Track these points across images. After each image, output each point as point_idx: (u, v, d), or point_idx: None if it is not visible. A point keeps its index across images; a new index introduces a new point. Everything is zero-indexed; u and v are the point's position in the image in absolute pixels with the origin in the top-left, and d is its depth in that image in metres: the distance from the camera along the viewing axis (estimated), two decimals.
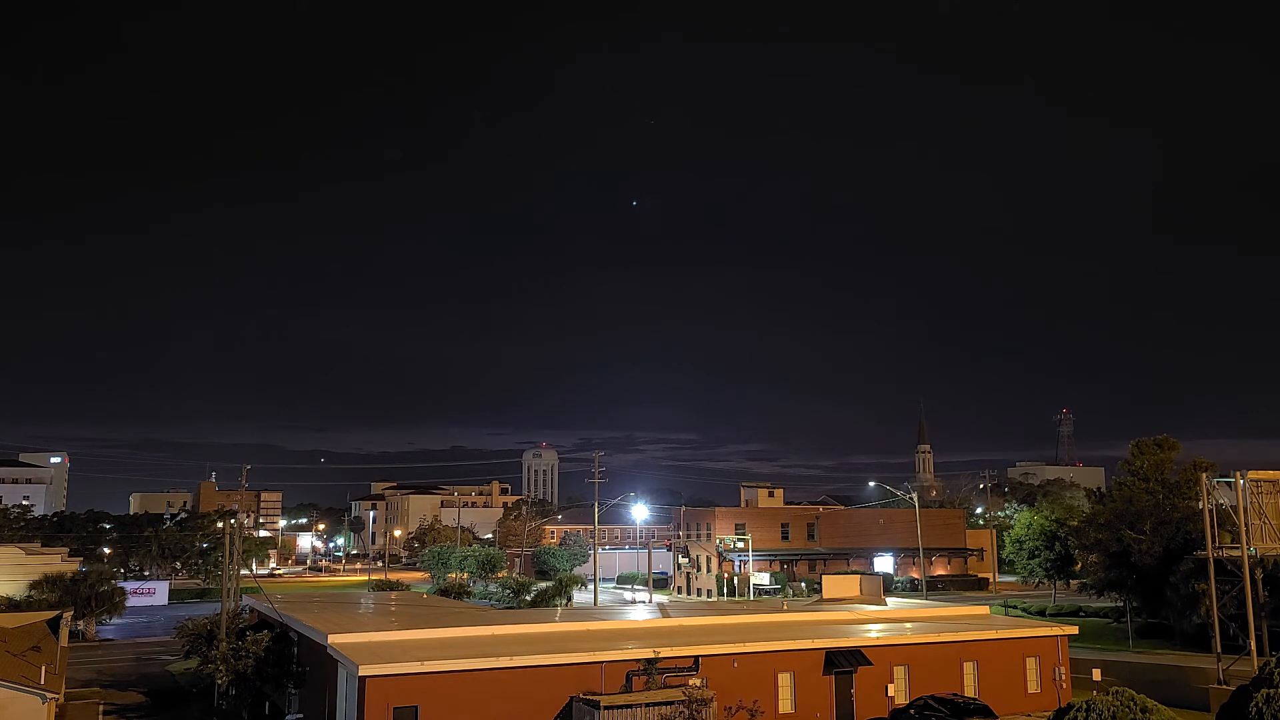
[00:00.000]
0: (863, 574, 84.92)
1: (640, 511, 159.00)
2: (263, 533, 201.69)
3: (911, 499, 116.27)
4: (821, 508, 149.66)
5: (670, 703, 40.06)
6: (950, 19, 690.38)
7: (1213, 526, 55.48)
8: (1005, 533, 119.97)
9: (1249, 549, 53.59)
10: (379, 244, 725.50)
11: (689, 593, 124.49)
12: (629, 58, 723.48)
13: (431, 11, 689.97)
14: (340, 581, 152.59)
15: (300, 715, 48.79)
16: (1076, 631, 57.80)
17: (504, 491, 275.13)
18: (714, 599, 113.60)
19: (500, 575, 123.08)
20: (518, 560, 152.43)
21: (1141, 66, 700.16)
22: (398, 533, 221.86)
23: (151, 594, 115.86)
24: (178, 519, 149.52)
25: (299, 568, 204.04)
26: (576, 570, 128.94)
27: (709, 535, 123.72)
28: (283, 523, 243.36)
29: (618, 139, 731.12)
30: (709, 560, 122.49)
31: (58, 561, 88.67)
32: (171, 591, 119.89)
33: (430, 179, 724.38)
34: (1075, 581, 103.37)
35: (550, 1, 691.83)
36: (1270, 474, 55.51)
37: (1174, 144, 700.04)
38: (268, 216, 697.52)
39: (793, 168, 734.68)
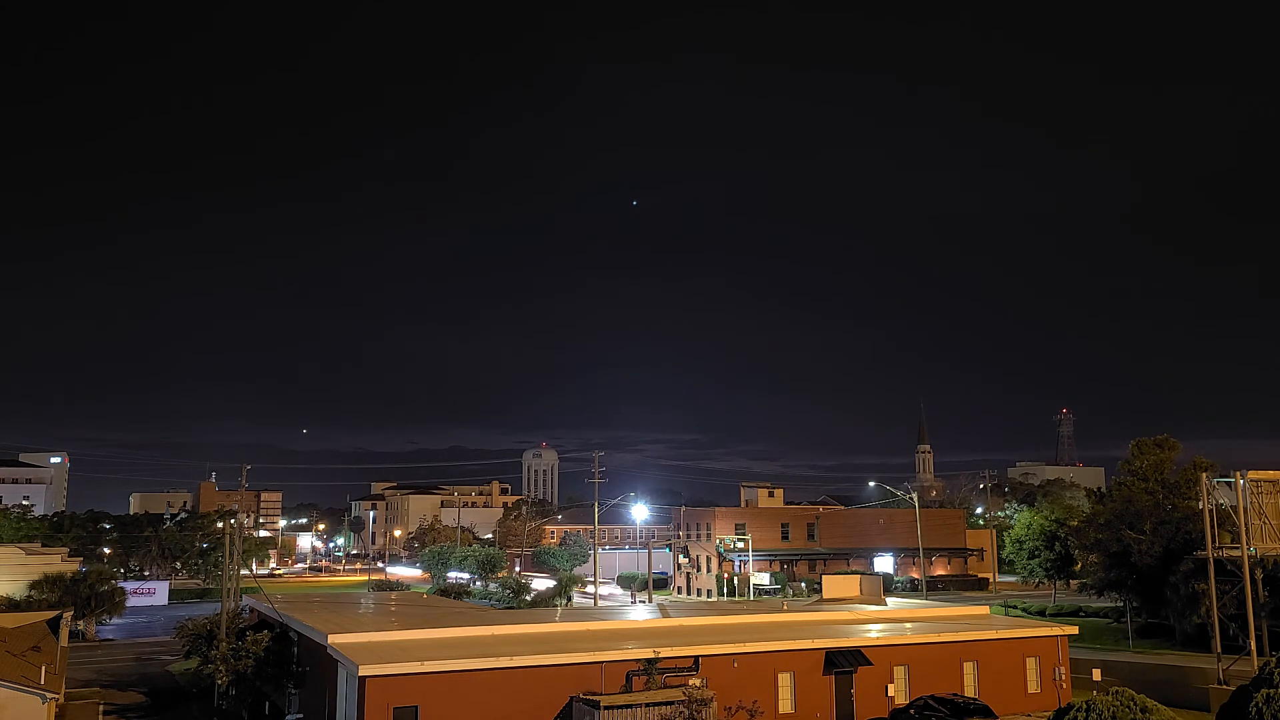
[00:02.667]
0: (863, 574, 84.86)
1: (640, 511, 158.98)
2: (263, 533, 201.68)
3: (911, 499, 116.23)
4: (821, 508, 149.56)
5: (670, 703, 40.06)
6: (959, 42, 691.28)
7: (1213, 526, 55.46)
8: (1005, 533, 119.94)
9: (1249, 549, 53.58)
10: (378, 248, 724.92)
11: (689, 593, 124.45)
12: (639, 71, 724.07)
13: (445, 28, 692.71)
14: (344, 581, 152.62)
15: (300, 715, 48.79)
16: (1076, 631, 57.81)
17: (504, 491, 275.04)
18: (714, 599, 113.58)
19: (500, 575, 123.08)
20: (518, 560, 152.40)
21: (1135, 91, 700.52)
22: (398, 533, 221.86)
23: (151, 594, 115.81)
24: (178, 519, 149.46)
25: (299, 567, 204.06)
26: (576, 570, 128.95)
27: (709, 535, 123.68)
28: (283, 523, 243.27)
29: (620, 146, 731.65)
30: (709, 560, 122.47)
31: (58, 561, 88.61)
32: (171, 591, 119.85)
33: (430, 187, 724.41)
34: (1075, 581, 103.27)
35: (559, 21, 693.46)
36: (1270, 474, 55.48)
37: (1177, 146, 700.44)
38: (265, 224, 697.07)
39: (795, 176, 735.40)
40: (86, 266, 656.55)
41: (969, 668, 50.36)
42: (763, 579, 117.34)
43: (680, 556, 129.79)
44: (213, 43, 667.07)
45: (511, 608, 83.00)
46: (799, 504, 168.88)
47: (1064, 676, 52.67)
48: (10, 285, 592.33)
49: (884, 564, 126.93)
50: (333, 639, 43.39)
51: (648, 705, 39.95)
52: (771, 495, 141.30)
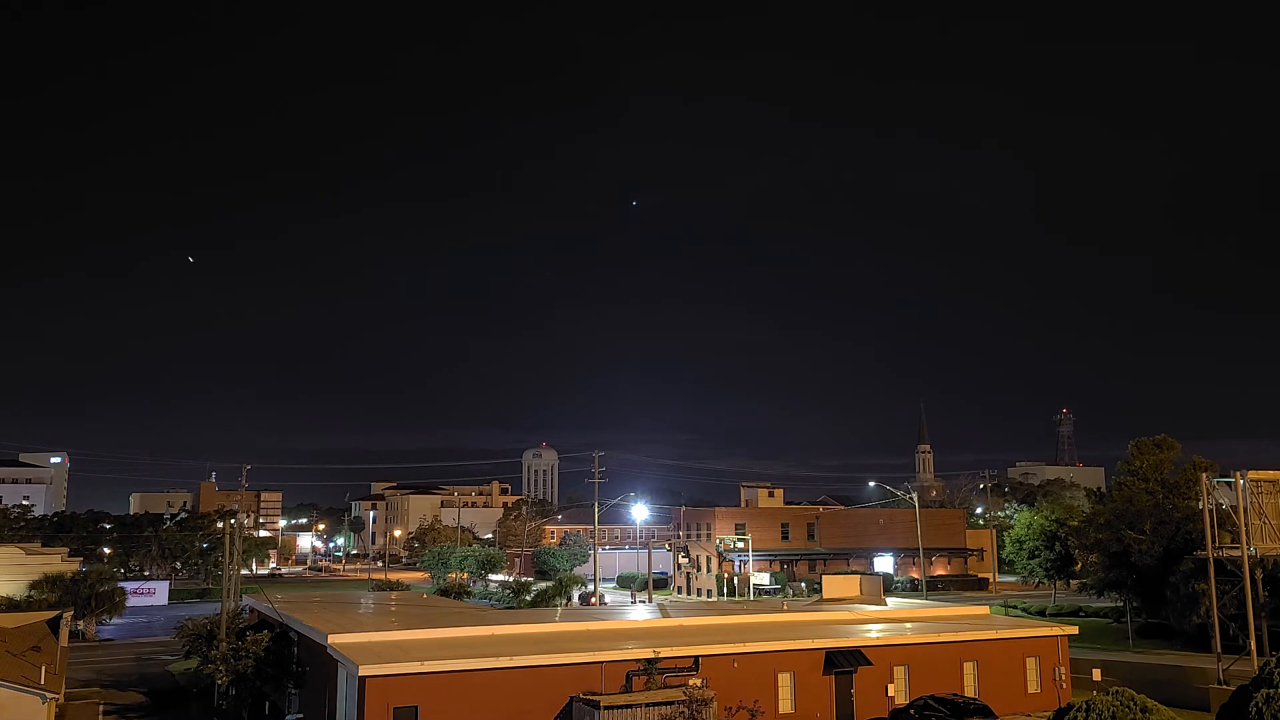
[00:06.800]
0: (863, 574, 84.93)
1: (640, 511, 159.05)
2: (263, 533, 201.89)
3: (911, 499, 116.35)
4: (821, 508, 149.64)
5: (670, 703, 40.08)
6: (956, 43, 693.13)
7: (1213, 526, 55.50)
8: (1005, 533, 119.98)
9: (1249, 549, 53.62)
10: (376, 254, 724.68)
11: (689, 593, 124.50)
12: (636, 76, 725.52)
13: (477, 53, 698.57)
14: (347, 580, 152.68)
15: (300, 715, 48.80)
16: (1076, 631, 57.84)
17: (504, 491, 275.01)
18: (714, 599, 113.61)
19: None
20: (518, 560, 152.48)
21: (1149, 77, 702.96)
22: (398, 533, 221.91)
23: (151, 594, 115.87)
24: (178, 519, 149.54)
25: (299, 568, 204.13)
26: (577, 570, 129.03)
27: (709, 535, 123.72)
28: (283, 523, 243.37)
29: (625, 149, 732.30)
30: (709, 560, 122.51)
31: (58, 561, 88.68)
32: (171, 591, 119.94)
33: (427, 200, 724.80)
34: (1075, 581, 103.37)
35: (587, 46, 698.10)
36: (1270, 474, 55.53)
37: (1180, 148, 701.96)
38: (261, 228, 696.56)
39: (796, 181, 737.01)
40: (97, 280, 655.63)
41: (969, 668, 50.39)
42: (763, 579, 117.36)
43: (680, 556, 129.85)
44: (243, 68, 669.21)
45: (511, 608, 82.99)
46: (799, 504, 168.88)
47: (1064, 676, 52.70)
48: (10, 284, 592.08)
49: (884, 564, 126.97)
50: (333, 639, 43.41)
51: (648, 705, 39.97)
52: (771, 495, 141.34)
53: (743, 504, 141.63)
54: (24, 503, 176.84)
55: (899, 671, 48.60)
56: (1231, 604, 56.50)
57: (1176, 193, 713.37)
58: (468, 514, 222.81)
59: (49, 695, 37.67)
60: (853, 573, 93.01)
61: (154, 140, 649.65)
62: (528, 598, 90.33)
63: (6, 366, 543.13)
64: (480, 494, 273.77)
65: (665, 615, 58.51)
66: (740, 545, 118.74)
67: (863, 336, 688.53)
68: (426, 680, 38.80)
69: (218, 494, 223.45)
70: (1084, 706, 31.83)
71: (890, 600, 70.25)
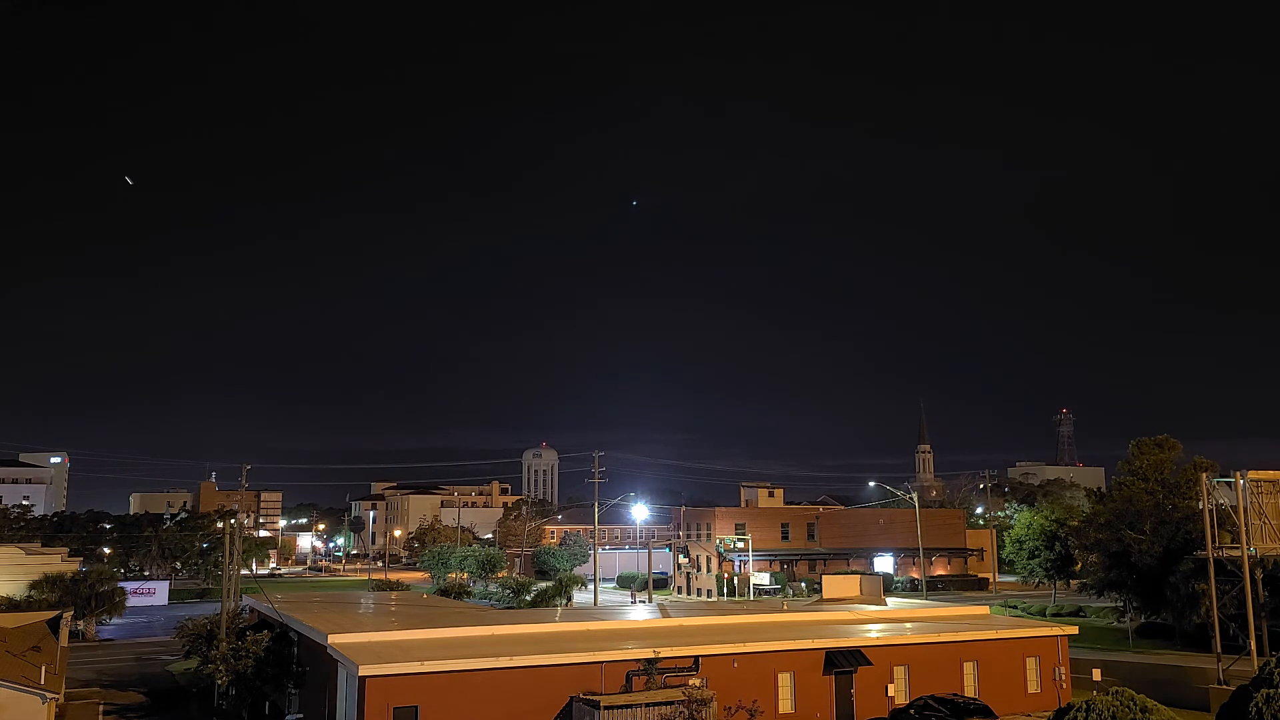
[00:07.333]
0: (863, 574, 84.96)
1: (640, 511, 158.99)
2: (263, 533, 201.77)
3: (911, 499, 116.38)
4: (821, 508, 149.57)
5: (670, 703, 40.08)
6: (955, 44, 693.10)
7: (1213, 526, 55.50)
8: (1005, 533, 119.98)
9: (1249, 549, 53.62)
10: (378, 244, 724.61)
11: (689, 593, 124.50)
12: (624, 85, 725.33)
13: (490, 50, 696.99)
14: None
15: (300, 715, 48.80)
16: (1076, 631, 57.86)
17: (504, 491, 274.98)
18: (714, 599, 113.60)
19: (500, 575, 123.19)
20: (518, 560, 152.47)
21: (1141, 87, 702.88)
22: (398, 533, 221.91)
23: (151, 594, 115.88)
24: (178, 519, 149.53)
25: (299, 568, 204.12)
26: (576, 570, 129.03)
27: (709, 535, 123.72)
28: (283, 523, 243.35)
29: (626, 149, 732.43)
30: (709, 560, 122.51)
31: (58, 561, 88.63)
32: (171, 591, 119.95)
33: (432, 188, 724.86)
34: (1075, 581, 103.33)
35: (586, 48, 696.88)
36: (1270, 474, 55.53)
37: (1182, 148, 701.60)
38: (262, 228, 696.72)
39: (795, 181, 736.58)
40: (97, 280, 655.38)
41: (969, 668, 50.39)
42: (763, 579, 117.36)
43: (680, 556, 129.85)
44: (248, 67, 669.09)
45: (511, 608, 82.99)
46: (799, 504, 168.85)
47: (1064, 676, 52.70)
48: (10, 283, 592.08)
49: (884, 564, 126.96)
50: (333, 639, 43.41)
51: (648, 705, 39.96)
52: (771, 495, 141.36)
53: (743, 504, 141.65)
54: (24, 503, 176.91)
55: (899, 671, 48.60)
56: (1231, 604, 56.51)
57: (1176, 193, 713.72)
58: (468, 514, 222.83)
59: (49, 695, 37.67)
60: (853, 573, 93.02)
61: (154, 140, 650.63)
62: (528, 598, 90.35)
63: (6, 366, 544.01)
64: (480, 494, 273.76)
65: (665, 615, 58.52)
66: (740, 545, 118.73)
67: (863, 336, 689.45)
68: (426, 680, 38.80)
69: (218, 494, 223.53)
70: (1084, 706, 31.84)
71: (890, 600, 70.26)
